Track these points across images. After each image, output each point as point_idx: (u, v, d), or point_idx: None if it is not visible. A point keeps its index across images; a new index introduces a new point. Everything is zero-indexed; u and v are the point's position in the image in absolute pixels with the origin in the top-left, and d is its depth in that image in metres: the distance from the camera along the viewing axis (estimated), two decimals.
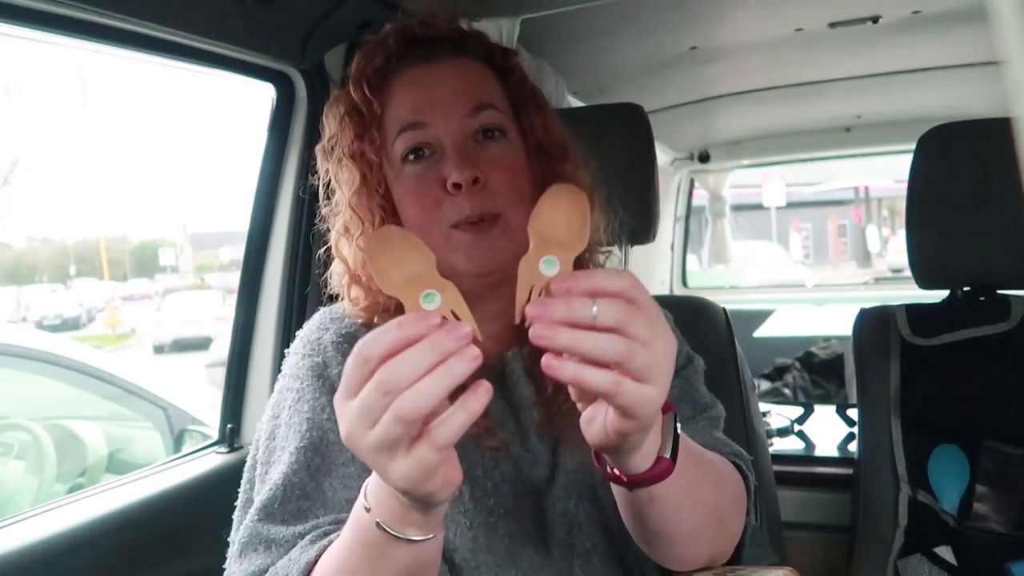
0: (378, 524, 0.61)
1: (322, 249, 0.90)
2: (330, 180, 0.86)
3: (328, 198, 0.87)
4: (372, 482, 0.63)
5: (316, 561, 0.70)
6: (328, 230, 0.88)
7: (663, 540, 0.74)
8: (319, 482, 0.78)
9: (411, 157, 0.81)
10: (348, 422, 0.56)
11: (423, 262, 0.60)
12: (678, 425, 0.66)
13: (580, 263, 0.86)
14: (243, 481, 0.85)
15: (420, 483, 0.55)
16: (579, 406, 0.63)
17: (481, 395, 0.54)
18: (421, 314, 0.55)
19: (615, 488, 0.71)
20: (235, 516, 0.83)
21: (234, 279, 1.56)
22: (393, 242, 0.61)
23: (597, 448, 0.65)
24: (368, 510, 0.62)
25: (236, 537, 0.79)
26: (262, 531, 0.76)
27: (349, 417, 0.55)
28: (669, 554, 0.76)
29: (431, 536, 0.62)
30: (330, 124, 0.86)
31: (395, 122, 0.82)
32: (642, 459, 0.63)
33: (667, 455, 0.65)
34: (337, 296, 0.90)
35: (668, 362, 0.57)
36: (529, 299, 0.57)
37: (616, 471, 0.65)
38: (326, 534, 0.73)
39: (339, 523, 0.74)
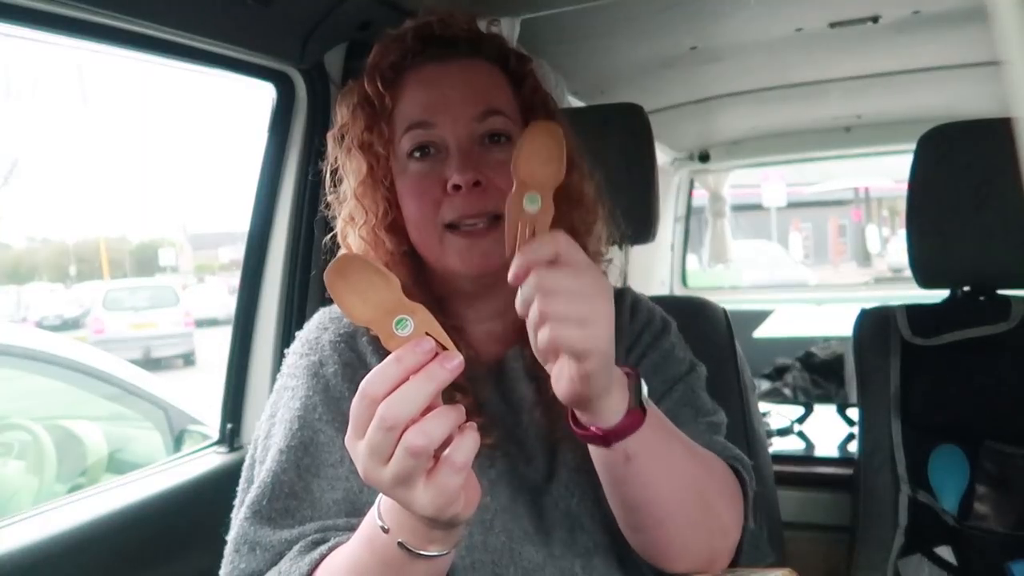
0: (400, 544, 0.62)
1: (328, 236, 0.90)
2: (338, 168, 0.87)
3: (335, 186, 0.88)
4: (387, 502, 0.63)
5: (310, 575, 0.71)
6: (334, 218, 0.88)
7: (643, 513, 0.74)
8: (307, 482, 0.78)
9: (416, 154, 0.82)
10: (362, 461, 0.57)
11: (387, 287, 0.58)
12: (643, 385, 0.70)
13: None
14: (241, 480, 0.85)
15: (445, 508, 0.57)
16: (547, 368, 0.67)
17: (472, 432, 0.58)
18: (416, 344, 0.56)
19: (595, 457, 0.73)
20: (232, 515, 0.83)
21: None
22: (353, 271, 0.59)
23: (569, 403, 0.67)
24: (386, 530, 0.62)
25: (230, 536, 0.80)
26: (249, 532, 0.77)
27: (361, 457, 0.57)
28: (649, 534, 0.76)
29: (451, 550, 0.64)
30: (342, 113, 0.86)
31: (404, 118, 0.82)
32: (613, 412, 0.68)
33: (637, 407, 0.69)
34: None
35: (601, 297, 0.63)
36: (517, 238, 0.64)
37: (592, 428, 0.68)
38: (315, 543, 0.74)
39: (325, 530, 0.75)
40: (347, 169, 0.85)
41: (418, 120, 0.81)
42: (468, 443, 0.56)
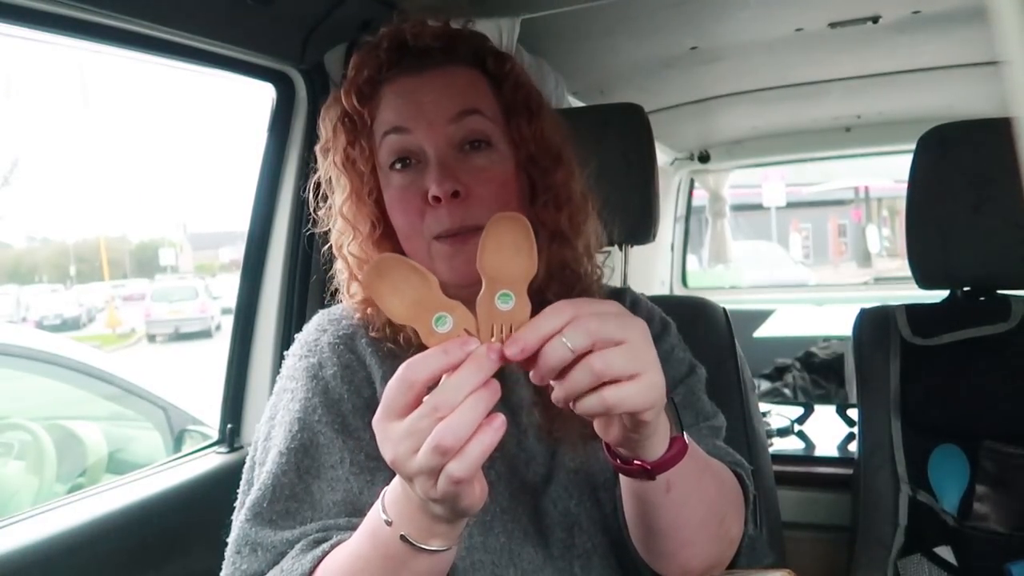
0: (403, 537, 0.62)
1: (326, 247, 0.90)
2: (330, 179, 0.87)
3: (325, 199, 0.88)
4: (391, 496, 0.63)
5: (312, 571, 0.71)
6: (329, 230, 0.88)
7: (669, 539, 0.74)
8: (308, 484, 0.78)
9: (397, 166, 0.81)
10: (395, 445, 0.56)
11: (425, 285, 0.59)
12: (678, 408, 0.68)
13: (576, 266, 0.86)
14: (242, 482, 0.85)
15: (458, 500, 0.57)
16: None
17: (496, 429, 0.55)
18: (465, 340, 0.56)
19: (631, 489, 0.72)
20: (233, 518, 0.83)
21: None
22: (391, 270, 0.59)
23: (620, 445, 0.65)
24: (389, 523, 0.63)
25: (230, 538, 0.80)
26: (250, 533, 0.77)
27: (396, 439, 0.56)
28: (671, 559, 0.76)
29: (452, 546, 0.64)
30: (326, 127, 0.86)
31: (381, 126, 0.82)
32: (659, 442, 0.65)
33: (679, 433, 0.67)
34: (336, 292, 0.90)
35: (648, 343, 0.58)
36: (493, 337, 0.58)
37: (638, 462, 0.65)
38: (317, 542, 0.74)
39: (327, 530, 0.75)
40: (334, 185, 0.85)
41: (393, 126, 0.81)
42: (472, 455, 0.55)
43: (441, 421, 0.54)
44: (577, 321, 0.55)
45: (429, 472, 0.55)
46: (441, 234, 0.79)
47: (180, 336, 15.17)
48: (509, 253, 0.59)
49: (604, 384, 0.56)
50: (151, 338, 15.57)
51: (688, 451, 0.67)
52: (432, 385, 0.56)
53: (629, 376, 0.56)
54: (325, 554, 0.71)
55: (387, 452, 0.57)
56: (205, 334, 15.26)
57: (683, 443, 0.67)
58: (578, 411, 0.57)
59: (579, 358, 0.55)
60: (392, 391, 0.56)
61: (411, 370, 0.56)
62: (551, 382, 0.57)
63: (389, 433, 0.57)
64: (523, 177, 0.84)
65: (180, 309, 15.57)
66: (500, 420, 0.56)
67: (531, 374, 0.57)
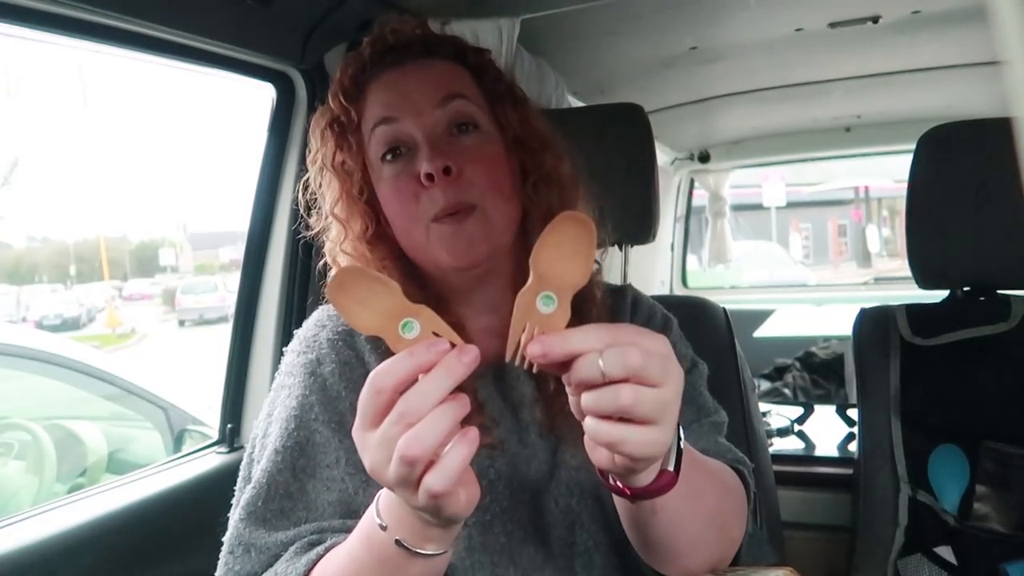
0: (397, 542, 0.62)
1: (320, 263, 0.90)
2: (320, 187, 0.87)
3: (311, 209, 0.88)
4: (385, 500, 0.63)
5: (306, 575, 0.71)
6: (323, 243, 0.88)
7: (665, 550, 0.74)
8: (303, 483, 0.78)
9: (388, 157, 0.82)
10: (371, 454, 0.56)
11: (388, 293, 0.58)
12: (681, 437, 0.65)
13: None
14: (239, 479, 0.85)
15: (441, 510, 0.57)
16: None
17: (471, 440, 0.55)
18: (431, 342, 0.56)
19: (617, 499, 0.71)
20: (230, 515, 0.83)
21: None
22: (353, 283, 0.58)
23: (602, 470, 0.63)
24: (384, 528, 0.62)
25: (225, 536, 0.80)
26: (243, 533, 0.76)
27: (372, 449, 0.56)
28: (670, 563, 0.76)
29: (447, 550, 0.64)
30: (314, 139, 0.87)
31: (369, 121, 0.83)
32: (645, 476, 0.62)
33: (670, 468, 0.63)
34: None
35: (678, 396, 0.57)
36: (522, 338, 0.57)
37: (619, 484, 0.64)
38: (311, 545, 0.74)
39: (321, 532, 0.75)
40: (323, 191, 0.86)
41: (382, 117, 0.82)
42: (450, 465, 0.54)
43: (410, 428, 0.53)
44: (619, 348, 0.53)
45: (405, 483, 0.55)
46: (437, 214, 0.79)
47: (204, 321, 18.47)
48: (568, 254, 0.57)
49: (618, 420, 0.54)
50: (181, 323, 18.70)
51: (679, 482, 0.64)
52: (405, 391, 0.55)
53: (643, 421, 0.54)
54: (320, 557, 0.71)
55: (366, 461, 0.57)
56: (224, 319, 18.41)
57: (671, 478, 0.63)
58: (586, 431, 0.57)
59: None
60: (363, 399, 0.56)
61: (379, 376, 0.55)
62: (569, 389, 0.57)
63: (366, 442, 0.57)
64: (514, 159, 0.85)
65: (203, 300, 18.98)
66: (474, 432, 0.55)
67: (564, 377, 0.56)
